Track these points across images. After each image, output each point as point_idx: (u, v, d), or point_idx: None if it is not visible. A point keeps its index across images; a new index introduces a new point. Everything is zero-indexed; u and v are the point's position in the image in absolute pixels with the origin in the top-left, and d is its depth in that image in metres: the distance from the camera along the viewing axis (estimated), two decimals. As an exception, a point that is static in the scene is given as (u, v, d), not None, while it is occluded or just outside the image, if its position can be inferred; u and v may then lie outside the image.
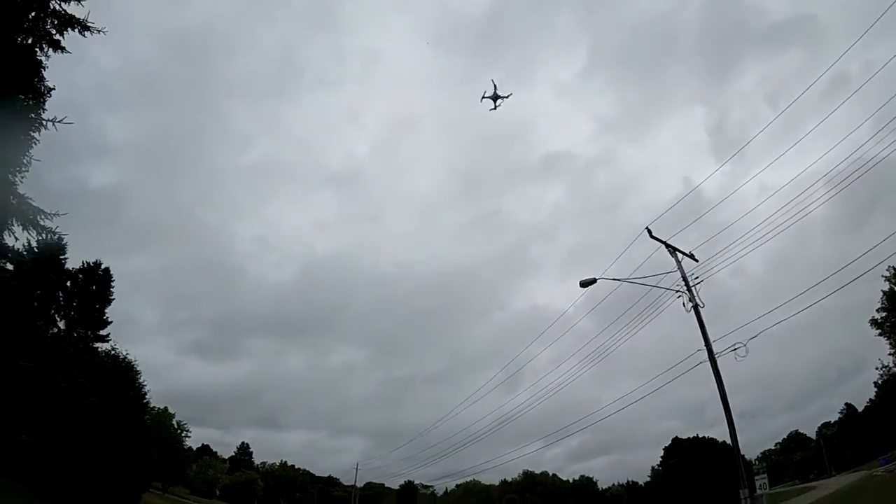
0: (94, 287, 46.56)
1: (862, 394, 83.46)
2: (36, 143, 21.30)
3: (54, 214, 22.17)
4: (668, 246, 21.93)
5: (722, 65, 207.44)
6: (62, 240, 37.16)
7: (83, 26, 20.71)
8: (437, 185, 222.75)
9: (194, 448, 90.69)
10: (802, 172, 22.41)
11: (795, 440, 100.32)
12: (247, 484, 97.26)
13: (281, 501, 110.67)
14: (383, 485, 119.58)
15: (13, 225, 21.66)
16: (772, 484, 41.88)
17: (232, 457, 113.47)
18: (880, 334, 60.67)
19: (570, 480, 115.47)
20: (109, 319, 46.98)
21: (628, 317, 24.90)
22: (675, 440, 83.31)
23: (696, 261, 21.88)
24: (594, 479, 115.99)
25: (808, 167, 22.36)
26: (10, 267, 27.26)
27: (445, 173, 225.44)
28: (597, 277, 22.41)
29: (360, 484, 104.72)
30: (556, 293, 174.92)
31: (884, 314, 59.26)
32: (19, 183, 21.39)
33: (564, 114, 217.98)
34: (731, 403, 19.61)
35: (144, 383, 40.20)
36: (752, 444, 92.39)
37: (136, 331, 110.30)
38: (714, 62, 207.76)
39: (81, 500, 29.32)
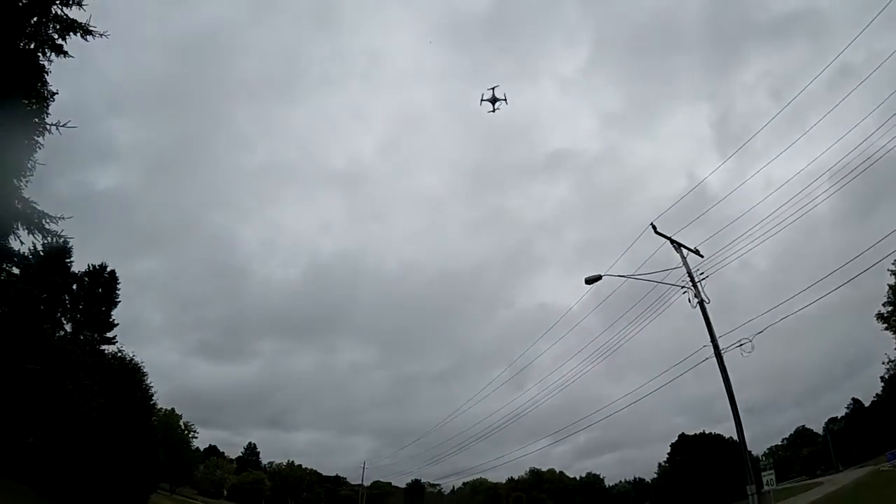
0: (100, 290, 46.75)
1: (869, 389, 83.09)
2: (40, 148, 21.42)
3: (59, 218, 22.28)
4: (673, 242, 21.85)
5: (726, 58, 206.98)
6: (68, 243, 37.64)
7: (85, 30, 20.77)
8: (443, 183, 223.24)
9: (201, 449, 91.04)
10: (808, 165, 22.30)
11: (802, 436, 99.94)
12: (254, 484, 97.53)
13: (288, 501, 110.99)
14: (390, 483, 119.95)
15: (19, 229, 21.78)
16: (779, 480, 41.79)
17: (239, 457, 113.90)
18: (887, 328, 60.24)
19: (578, 478, 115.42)
20: (116, 322, 47.21)
21: (634, 313, 24.86)
22: (682, 436, 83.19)
23: (702, 256, 21.80)
24: (601, 476, 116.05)
25: (813, 160, 22.25)
26: (15, 271, 27.32)
27: (450, 171, 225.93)
28: (602, 274, 22.37)
29: (367, 483, 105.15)
30: (562, 290, 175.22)
31: (890, 308, 58.85)
32: (24, 187, 21.51)
33: (568, 109, 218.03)
34: (738, 399, 19.52)
35: (151, 385, 40.45)
36: (759, 440, 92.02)
37: (142, 333, 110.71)
38: (718, 56, 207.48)
39: (89, 501, 29.46)
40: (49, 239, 23.24)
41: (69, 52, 21.11)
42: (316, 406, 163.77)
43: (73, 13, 20.81)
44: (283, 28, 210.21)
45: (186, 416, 70.86)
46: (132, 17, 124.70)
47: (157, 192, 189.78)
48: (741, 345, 19.33)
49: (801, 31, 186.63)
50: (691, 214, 24.70)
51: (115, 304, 47.41)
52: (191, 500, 70.01)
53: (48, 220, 21.93)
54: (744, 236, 22.09)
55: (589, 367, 30.51)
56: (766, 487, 32.39)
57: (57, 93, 21.61)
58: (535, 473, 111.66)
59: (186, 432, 69.85)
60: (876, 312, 60.18)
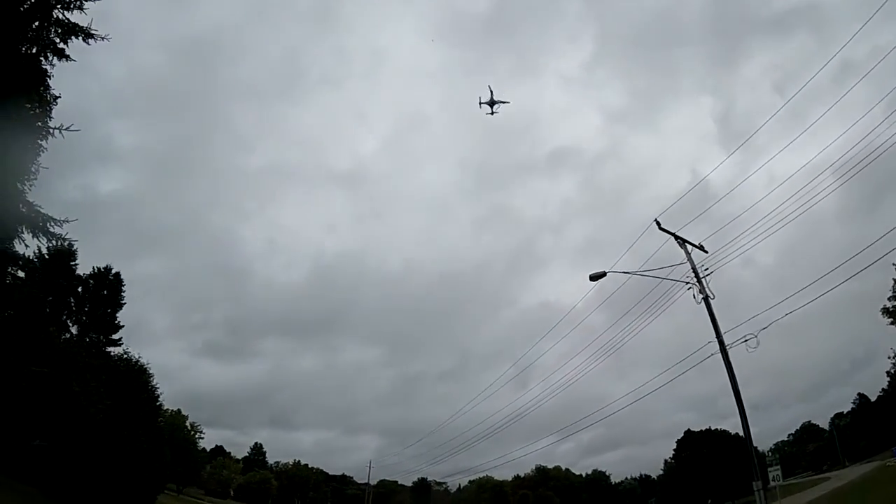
0: (105, 292, 46.96)
1: (875, 384, 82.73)
2: (44, 151, 21.47)
3: (64, 221, 22.35)
4: (677, 238, 21.79)
5: (728, 53, 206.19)
6: (72, 246, 37.78)
7: (87, 34, 20.81)
8: (445, 181, 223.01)
9: (208, 449, 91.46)
10: (812, 160, 22.20)
11: (808, 431, 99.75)
12: (261, 484, 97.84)
13: (295, 501, 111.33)
14: (397, 482, 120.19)
15: (23, 233, 21.85)
16: (785, 475, 41.68)
17: (246, 457, 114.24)
18: (892, 323, 59.89)
19: (584, 475, 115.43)
20: (121, 324, 47.50)
21: (638, 310, 24.82)
22: (688, 433, 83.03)
23: (706, 252, 21.72)
24: (607, 473, 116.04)
25: (817, 154, 22.15)
26: (21, 274, 27.49)
27: (453, 170, 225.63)
28: (606, 271, 22.34)
29: (373, 482, 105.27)
30: (566, 288, 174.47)
31: (895, 303, 58.54)
32: (28, 191, 21.58)
33: (571, 106, 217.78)
34: (744, 395, 19.50)
35: (157, 386, 40.56)
36: (765, 436, 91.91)
37: (148, 334, 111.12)
38: (720, 50, 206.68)
39: (96, 503, 29.60)
40: (53, 242, 23.34)
41: (71, 56, 21.17)
42: (321, 406, 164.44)
43: (74, 17, 20.87)
44: (283, 28, 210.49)
45: (192, 417, 71.26)
46: (133, 18, 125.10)
47: (160, 194, 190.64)
48: (746, 340, 19.29)
49: (802, 25, 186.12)
50: (695, 210, 24.65)
51: (121, 306, 47.67)
52: (198, 501, 70.28)
53: (52, 224, 22.01)
54: (748, 232, 22.03)
55: (594, 365, 30.53)
56: (772, 483, 32.34)
57: (59, 96, 21.70)
58: (540, 471, 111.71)
59: (193, 433, 70.13)
60: (881, 307, 59.87)
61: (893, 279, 57.98)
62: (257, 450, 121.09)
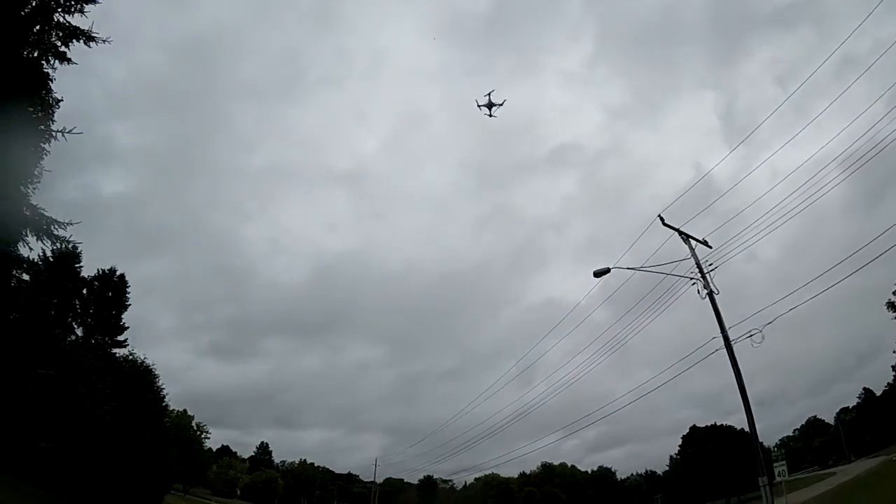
0: (109, 293, 47.07)
1: (880, 378, 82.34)
2: (47, 154, 21.52)
3: (67, 224, 22.45)
4: (680, 233, 21.75)
5: (730, 49, 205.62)
6: (76, 248, 37.75)
7: (88, 37, 20.85)
8: (446, 180, 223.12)
9: (214, 449, 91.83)
10: (815, 155, 22.12)
11: (813, 426, 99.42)
12: (267, 483, 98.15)
13: (301, 499, 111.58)
14: (402, 480, 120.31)
15: (28, 236, 21.95)
16: (791, 471, 41.60)
17: (252, 456, 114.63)
18: (897, 317, 59.64)
19: (589, 471, 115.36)
20: (126, 325, 47.54)
21: (643, 306, 24.81)
22: (693, 429, 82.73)
23: (710, 247, 21.70)
24: (613, 470, 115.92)
25: (820, 148, 22.07)
26: (26, 277, 27.56)
27: (454, 169, 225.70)
28: (611, 267, 22.30)
29: (379, 480, 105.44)
30: (570, 285, 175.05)
31: (900, 296, 58.20)
32: (32, 194, 21.67)
33: (572, 104, 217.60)
34: (749, 391, 19.46)
35: (163, 386, 40.68)
36: (771, 431, 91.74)
37: (152, 335, 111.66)
38: (722, 46, 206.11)
39: (103, 503, 29.70)
40: (58, 245, 23.49)
41: (72, 59, 21.21)
42: (326, 405, 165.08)
43: (75, 20, 20.93)
44: (283, 28, 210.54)
45: (198, 417, 71.48)
46: (133, 19, 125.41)
47: (161, 195, 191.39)
48: (751, 336, 19.27)
49: (804, 20, 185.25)
50: (699, 206, 24.62)
51: (125, 307, 47.75)
52: (205, 500, 70.57)
53: (56, 227, 22.10)
54: (752, 227, 21.99)
55: (598, 361, 30.51)
56: (777, 478, 32.25)
57: (62, 100, 21.77)
58: (546, 468, 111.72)
59: (199, 433, 70.34)
60: (886, 301, 59.62)
61: (898, 273, 57.75)
62: (263, 449, 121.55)
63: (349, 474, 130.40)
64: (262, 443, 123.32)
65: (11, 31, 19.20)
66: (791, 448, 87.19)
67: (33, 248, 23.11)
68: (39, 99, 20.67)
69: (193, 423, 69.25)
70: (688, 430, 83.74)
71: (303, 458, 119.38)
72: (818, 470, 75.79)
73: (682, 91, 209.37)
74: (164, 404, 41.86)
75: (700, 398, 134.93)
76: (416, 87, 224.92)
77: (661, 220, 22.05)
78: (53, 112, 21.45)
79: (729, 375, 19.65)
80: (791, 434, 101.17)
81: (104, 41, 21.19)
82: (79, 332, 44.46)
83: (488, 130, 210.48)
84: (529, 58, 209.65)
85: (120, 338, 46.61)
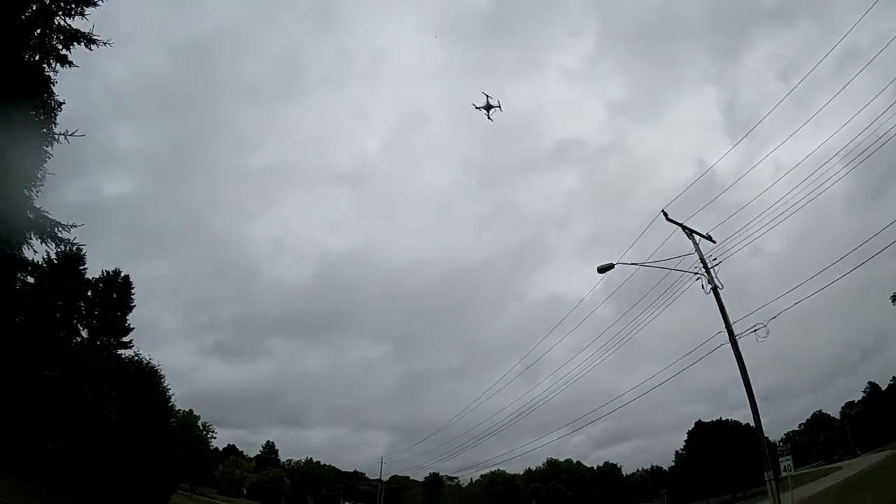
0: (114, 295, 47.27)
1: (885, 372, 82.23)
2: (49, 157, 21.58)
3: (71, 226, 22.51)
4: (684, 228, 21.73)
5: (731, 43, 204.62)
6: (80, 250, 37.79)
7: (89, 40, 20.89)
8: (449, 178, 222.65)
9: (220, 448, 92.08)
10: (818, 148, 22.04)
11: (819, 421, 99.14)
12: (273, 482, 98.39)
13: (308, 498, 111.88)
14: (408, 477, 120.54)
15: (32, 238, 22.02)
16: (796, 465, 41.28)
17: (258, 455, 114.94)
18: (901, 311, 59.33)
19: (595, 467, 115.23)
20: (131, 326, 47.79)
21: (647, 301, 24.79)
22: (699, 424, 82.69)
23: (714, 242, 21.67)
24: (618, 466, 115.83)
25: (823, 142, 21.98)
26: (31, 280, 27.65)
27: (456, 166, 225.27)
28: (615, 262, 22.30)
29: (385, 478, 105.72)
30: (574, 282, 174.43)
31: (904, 290, 57.91)
32: (35, 197, 21.73)
33: (574, 100, 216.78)
34: (754, 385, 19.47)
35: (168, 387, 40.68)
36: (776, 426, 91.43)
37: (158, 336, 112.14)
38: (723, 40, 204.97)
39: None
40: (62, 247, 23.54)
41: (73, 62, 21.25)
42: (331, 403, 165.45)
43: (75, 23, 20.96)
44: (283, 29, 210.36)
45: (204, 417, 71.71)
46: (133, 20, 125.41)
47: (164, 196, 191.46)
48: (756, 330, 19.24)
49: (805, 14, 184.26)
50: (702, 201, 24.57)
51: (130, 308, 47.98)
52: (211, 500, 70.79)
53: (60, 229, 22.18)
54: (755, 221, 21.93)
55: (603, 357, 30.55)
56: (783, 473, 32.14)
57: (64, 102, 21.82)
58: (552, 464, 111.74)
59: (205, 432, 70.61)
60: (891, 295, 59.36)
61: (903, 266, 57.45)
62: (269, 448, 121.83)
63: (355, 472, 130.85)
64: (267, 442, 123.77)
65: (12, 34, 19.25)
66: (796, 443, 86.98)
67: (37, 251, 23.20)
68: (41, 102, 20.72)
69: (199, 423, 69.53)
70: (693, 426, 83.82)
71: (309, 457, 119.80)
72: (824, 464, 75.52)
73: (684, 86, 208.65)
74: (169, 405, 41.94)
75: (705, 393, 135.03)
76: (417, 87, 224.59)
77: (665, 215, 22.02)
78: (56, 115, 21.51)
79: (734, 370, 19.68)
80: (796, 429, 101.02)
81: (105, 44, 21.25)
82: (84, 333, 44.69)
83: (490, 128, 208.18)
84: (530, 55, 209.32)
85: (125, 339, 46.87)
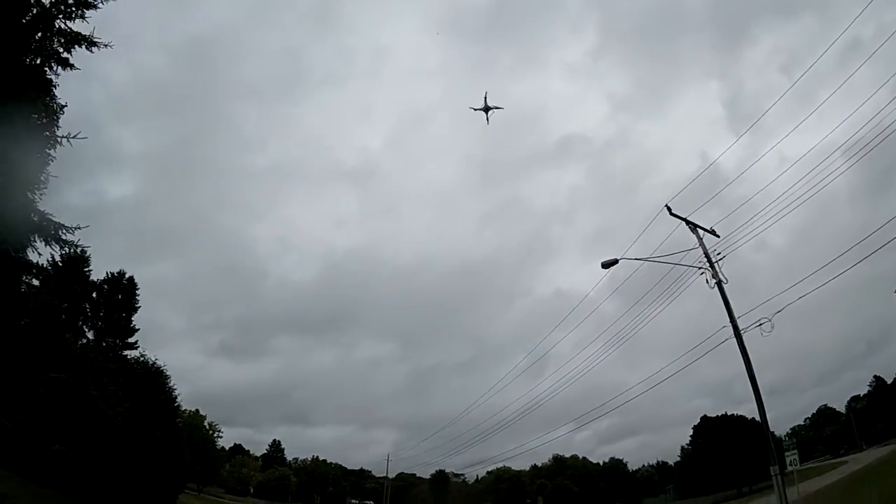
0: (119, 296, 47.51)
1: (891, 366, 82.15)
2: (52, 160, 21.60)
3: (75, 228, 22.48)
4: (688, 223, 21.67)
5: (734, 37, 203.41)
6: (85, 252, 38.12)
7: (90, 42, 20.85)
8: (453, 175, 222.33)
9: (226, 448, 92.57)
10: (821, 142, 21.94)
11: (825, 415, 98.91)
12: (280, 480, 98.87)
13: (315, 496, 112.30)
14: (415, 475, 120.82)
15: (36, 241, 22.04)
16: (802, 460, 41.36)
17: (264, 454, 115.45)
18: (907, 304, 59.16)
19: (601, 463, 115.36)
20: (136, 327, 48.02)
21: (651, 296, 24.77)
22: (704, 419, 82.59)
23: (718, 236, 21.63)
24: (624, 461, 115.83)
25: (826, 136, 21.88)
26: (36, 282, 27.74)
27: (460, 163, 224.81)
28: (619, 258, 22.28)
29: (391, 475, 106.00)
30: (579, 276, 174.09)
31: (910, 282, 57.78)
32: (39, 200, 21.73)
33: (578, 95, 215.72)
34: (759, 380, 19.40)
35: (174, 387, 40.96)
36: (782, 420, 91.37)
37: (163, 336, 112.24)
38: (726, 35, 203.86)
39: (119, 504, 30.05)
40: (66, 249, 23.53)
41: (75, 65, 21.26)
42: (337, 401, 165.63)
43: (76, 26, 20.92)
44: (284, 28, 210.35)
45: (210, 417, 72.14)
46: (133, 21, 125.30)
47: (168, 196, 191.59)
48: (760, 325, 19.21)
49: (807, 6, 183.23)
50: (706, 195, 24.50)
51: (136, 309, 48.20)
52: (218, 499, 71.16)
53: (64, 231, 22.17)
54: (759, 215, 21.87)
55: (608, 352, 30.55)
56: (789, 468, 32.17)
57: (66, 105, 21.74)
58: (558, 460, 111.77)
59: (211, 432, 70.99)
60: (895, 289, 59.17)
61: (908, 258, 57.19)
62: (275, 447, 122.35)
63: (361, 470, 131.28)
64: (274, 440, 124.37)
65: (13, 38, 19.28)
66: (802, 437, 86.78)
67: (42, 254, 23.17)
68: (43, 105, 20.70)
69: (206, 423, 69.96)
70: (699, 420, 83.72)
71: (315, 455, 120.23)
72: (830, 459, 75.42)
73: (687, 80, 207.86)
74: (176, 404, 42.20)
75: (711, 388, 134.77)
76: (419, 84, 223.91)
77: (669, 209, 21.97)
78: (58, 118, 21.49)
79: (739, 365, 19.62)
80: (802, 423, 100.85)
81: (106, 46, 21.20)
82: (90, 335, 44.90)
83: (493, 124, 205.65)
84: (532, 51, 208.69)
85: (131, 340, 47.10)
